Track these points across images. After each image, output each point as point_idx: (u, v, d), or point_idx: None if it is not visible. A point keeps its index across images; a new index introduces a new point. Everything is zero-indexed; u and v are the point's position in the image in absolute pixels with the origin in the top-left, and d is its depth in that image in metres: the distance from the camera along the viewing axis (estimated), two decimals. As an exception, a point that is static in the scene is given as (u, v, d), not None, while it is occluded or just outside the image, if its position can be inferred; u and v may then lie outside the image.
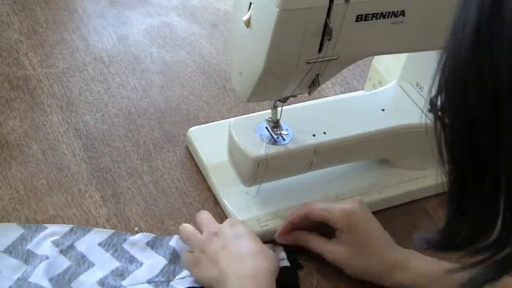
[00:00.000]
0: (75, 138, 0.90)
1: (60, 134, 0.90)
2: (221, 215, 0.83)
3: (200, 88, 1.01)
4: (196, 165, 0.89)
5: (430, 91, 0.46)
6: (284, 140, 0.80)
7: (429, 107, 0.47)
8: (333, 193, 0.85)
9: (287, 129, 0.81)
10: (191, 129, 0.91)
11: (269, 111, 0.80)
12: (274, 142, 0.79)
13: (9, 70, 0.99)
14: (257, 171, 0.78)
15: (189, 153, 0.90)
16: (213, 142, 0.88)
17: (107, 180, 0.86)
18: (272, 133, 0.79)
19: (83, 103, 0.96)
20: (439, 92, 0.45)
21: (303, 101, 0.92)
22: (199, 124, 0.93)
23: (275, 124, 0.80)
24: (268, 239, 0.80)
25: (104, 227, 0.80)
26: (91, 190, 0.84)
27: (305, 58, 0.68)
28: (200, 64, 1.06)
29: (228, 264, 0.70)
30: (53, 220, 0.79)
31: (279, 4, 0.62)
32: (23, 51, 1.03)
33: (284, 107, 0.79)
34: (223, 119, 0.93)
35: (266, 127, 0.80)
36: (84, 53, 1.04)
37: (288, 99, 0.78)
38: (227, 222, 0.76)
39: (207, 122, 0.94)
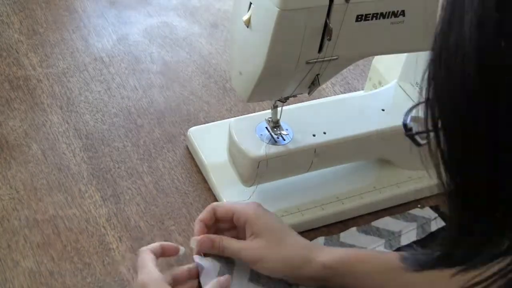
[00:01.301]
0: (75, 138, 0.90)
1: (60, 134, 0.90)
2: (221, 215, 0.83)
3: (200, 88, 1.01)
4: (196, 165, 0.89)
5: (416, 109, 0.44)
6: (284, 140, 0.80)
7: (405, 132, 0.45)
8: (333, 193, 0.86)
9: (287, 129, 0.81)
10: (191, 129, 0.91)
11: (269, 111, 0.80)
12: (274, 142, 0.79)
13: (9, 70, 0.99)
14: (257, 171, 0.78)
15: (189, 153, 0.90)
16: (213, 142, 0.88)
17: (107, 180, 0.86)
18: (272, 133, 0.79)
19: (83, 103, 0.96)
20: (432, 105, 0.42)
21: (303, 101, 0.92)
22: (199, 124, 0.93)
23: (275, 124, 0.80)
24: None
25: (104, 227, 0.80)
26: (91, 190, 0.84)
27: (305, 58, 0.68)
28: (200, 64, 1.06)
29: None
30: (53, 220, 0.79)
31: (279, 4, 0.62)
32: (23, 51, 1.03)
33: (284, 107, 0.79)
34: (223, 119, 0.93)
35: (266, 127, 0.80)
36: (84, 53, 1.04)
37: (288, 99, 0.78)
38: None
39: (207, 122, 0.94)
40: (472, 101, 0.39)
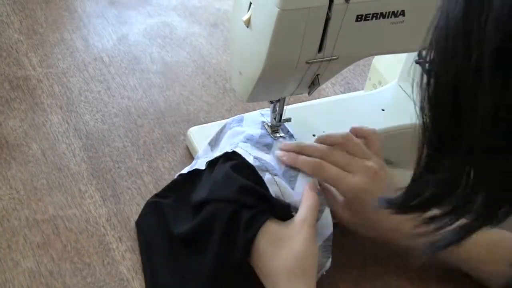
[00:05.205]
0: (75, 138, 0.90)
1: (60, 134, 0.90)
2: (221, 215, 0.83)
3: (200, 88, 1.01)
4: (196, 165, 0.89)
5: (424, 42, 0.47)
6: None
7: (418, 58, 0.48)
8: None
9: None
10: (191, 129, 0.91)
11: (269, 110, 0.80)
12: (274, 142, 0.79)
13: (9, 70, 0.99)
14: (257, 171, 0.78)
15: (189, 153, 0.90)
16: (213, 142, 0.88)
17: (107, 180, 0.86)
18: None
19: (83, 103, 0.96)
20: (430, 46, 0.46)
21: (303, 101, 0.92)
22: (199, 124, 0.93)
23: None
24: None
25: (104, 227, 0.80)
26: (91, 190, 0.84)
27: (305, 58, 0.68)
28: (200, 64, 1.06)
29: None
30: (53, 220, 0.79)
31: (279, 4, 0.62)
32: (23, 51, 1.03)
33: (284, 107, 0.79)
34: (223, 119, 0.93)
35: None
36: (84, 53, 1.04)
37: (284, 100, 0.78)
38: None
39: (207, 122, 0.94)
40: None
